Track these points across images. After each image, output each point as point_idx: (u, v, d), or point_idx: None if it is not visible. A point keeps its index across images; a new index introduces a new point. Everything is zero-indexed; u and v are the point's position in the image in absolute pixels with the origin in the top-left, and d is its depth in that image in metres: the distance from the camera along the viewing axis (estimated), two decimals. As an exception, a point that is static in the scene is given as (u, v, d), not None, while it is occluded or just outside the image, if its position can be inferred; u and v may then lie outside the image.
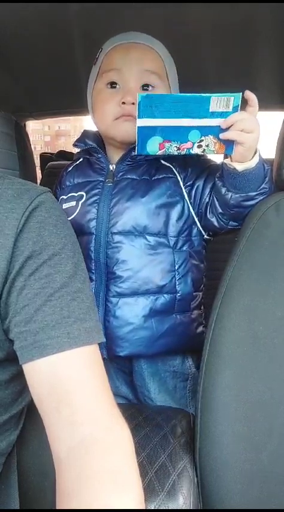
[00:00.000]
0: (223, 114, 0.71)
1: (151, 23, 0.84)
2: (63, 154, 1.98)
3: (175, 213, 0.85)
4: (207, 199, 0.84)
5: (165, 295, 0.84)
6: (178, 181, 0.85)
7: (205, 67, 1.19)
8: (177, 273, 0.85)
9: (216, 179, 0.81)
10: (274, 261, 0.68)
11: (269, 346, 0.64)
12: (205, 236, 0.89)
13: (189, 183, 0.86)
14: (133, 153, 0.83)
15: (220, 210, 0.82)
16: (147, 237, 0.84)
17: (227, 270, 0.70)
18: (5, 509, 0.62)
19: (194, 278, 0.87)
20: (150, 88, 0.83)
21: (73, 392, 0.51)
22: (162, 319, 0.85)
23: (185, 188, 0.86)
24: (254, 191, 0.76)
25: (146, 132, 0.75)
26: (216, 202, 0.82)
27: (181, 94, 0.73)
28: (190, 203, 0.86)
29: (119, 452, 0.49)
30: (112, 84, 0.84)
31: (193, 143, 0.75)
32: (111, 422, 0.51)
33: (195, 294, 0.88)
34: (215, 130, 0.72)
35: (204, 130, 0.73)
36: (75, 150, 0.98)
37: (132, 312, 0.84)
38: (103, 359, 0.85)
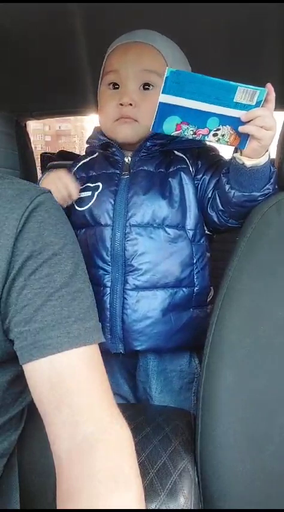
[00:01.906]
0: (246, 107, 0.70)
1: (152, 22, 0.83)
2: (63, 154, 1.99)
3: (191, 204, 0.85)
4: (210, 195, 0.84)
5: (184, 288, 0.85)
6: (191, 173, 0.86)
7: (205, 67, 1.19)
8: (195, 266, 0.85)
9: (221, 175, 0.80)
10: (275, 260, 0.68)
11: (270, 346, 0.64)
12: (206, 231, 0.89)
13: (198, 177, 0.86)
14: (147, 143, 0.84)
15: (221, 207, 0.82)
16: (167, 229, 0.83)
17: (228, 270, 0.70)
18: (6, 510, 0.62)
19: (210, 271, 0.88)
20: (151, 87, 0.82)
21: (74, 392, 0.51)
22: (180, 313, 0.85)
23: (195, 181, 0.86)
24: (258, 191, 0.75)
25: (166, 110, 0.72)
26: (218, 199, 0.82)
27: (209, 77, 0.70)
28: (196, 197, 0.86)
29: (120, 451, 0.49)
30: (115, 85, 0.84)
31: (210, 130, 0.73)
32: (112, 422, 0.51)
33: (210, 288, 0.89)
34: (235, 122, 0.71)
35: (224, 120, 0.72)
36: (78, 151, 0.98)
37: (150, 305, 0.83)
38: (112, 354, 0.85)
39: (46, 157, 2.04)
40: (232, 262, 0.70)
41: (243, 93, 0.69)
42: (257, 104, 0.69)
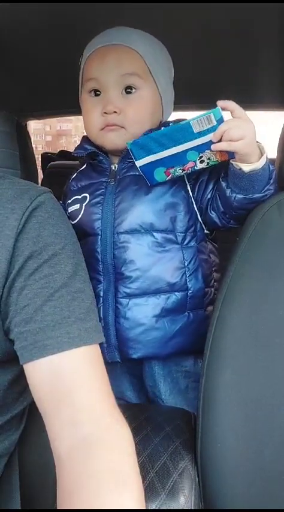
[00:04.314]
0: (210, 130, 0.71)
1: (152, 23, 0.83)
2: (64, 154, 1.99)
3: (182, 208, 0.83)
4: (209, 196, 0.83)
5: (176, 293, 0.83)
6: (183, 175, 0.83)
7: (205, 67, 1.19)
8: (187, 270, 0.83)
9: (221, 180, 0.79)
10: (275, 260, 0.68)
11: (270, 346, 0.64)
12: (205, 231, 0.87)
13: (192, 177, 0.84)
14: None
15: (222, 209, 0.81)
16: (154, 234, 0.82)
17: (229, 270, 0.70)
18: (6, 509, 0.62)
19: (204, 273, 0.86)
20: (133, 90, 0.81)
21: (74, 392, 0.51)
22: (175, 318, 0.83)
23: (189, 182, 0.84)
24: (259, 192, 0.75)
25: (149, 168, 0.78)
26: (219, 202, 0.81)
27: (163, 129, 0.75)
28: (193, 198, 0.84)
29: (120, 451, 0.49)
30: (96, 92, 0.82)
31: (195, 161, 0.76)
32: (112, 422, 0.51)
33: (206, 289, 0.87)
34: (210, 145, 0.73)
35: (200, 148, 0.74)
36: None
37: (142, 312, 0.82)
38: (115, 362, 0.85)
39: (47, 157, 2.04)
40: (233, 262, 0.70)
41: (198, 123, 0.71)
42: (219, 122, 0.70)
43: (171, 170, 0.78)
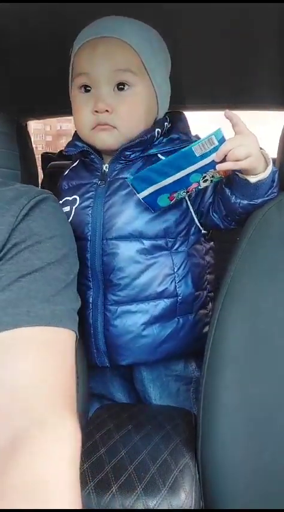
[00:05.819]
0: (212, 151, 0.69)
1: (152, 23, 0.83)
2: (64, 154, 1.99)
3: (173, 213, 0.81)
4: (211, 200, 0.81)
5: (165, 299, 0.81)
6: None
7: (205, 66, 1.19)
8: (176, 276, 0.82)
9: (223, 186, 0.77)
10: (276, 260, 0.68)
11: (270, 346, 0.64)
12: (203, 231, 0.86)
13: None
14: (126, 152, 0.80)
15: (225, 213, 0.80)
16: (143, 241, 0.79)
17: (229, 270, 0.70)
18: (5, 510, 0.62)
19: (195, 277, 0.84)
20: (126, 87, 0.76)
21: (17, 375, 0.45)
22: (164, 324, 0.82)
23: None
24: (263, 197, 0.73)
25: (152, 197, 0.75)
26: (221, 206, 0.80)
27: (164, 159, 0.75)
28: (189, 201, 0.83)
29: (55, 458, 0.42)
30: (86, 87, 0.78)
31: (198, 182, 0.74)
32: (54, 422, 0.44)
33: (197, 293, 0.85)
34: (214, 165, 0.71)
35: (203, 169, 0.72)
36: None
37: (131, 320, 0.81)
38: (106, 367, 0.85)
39: (47, 157, 2.05)
40: (233, 263, 0.70)
41: (200, 147, 0.69)
42: (221, 141, 0.69)
43: (175, 194, 0.76)
